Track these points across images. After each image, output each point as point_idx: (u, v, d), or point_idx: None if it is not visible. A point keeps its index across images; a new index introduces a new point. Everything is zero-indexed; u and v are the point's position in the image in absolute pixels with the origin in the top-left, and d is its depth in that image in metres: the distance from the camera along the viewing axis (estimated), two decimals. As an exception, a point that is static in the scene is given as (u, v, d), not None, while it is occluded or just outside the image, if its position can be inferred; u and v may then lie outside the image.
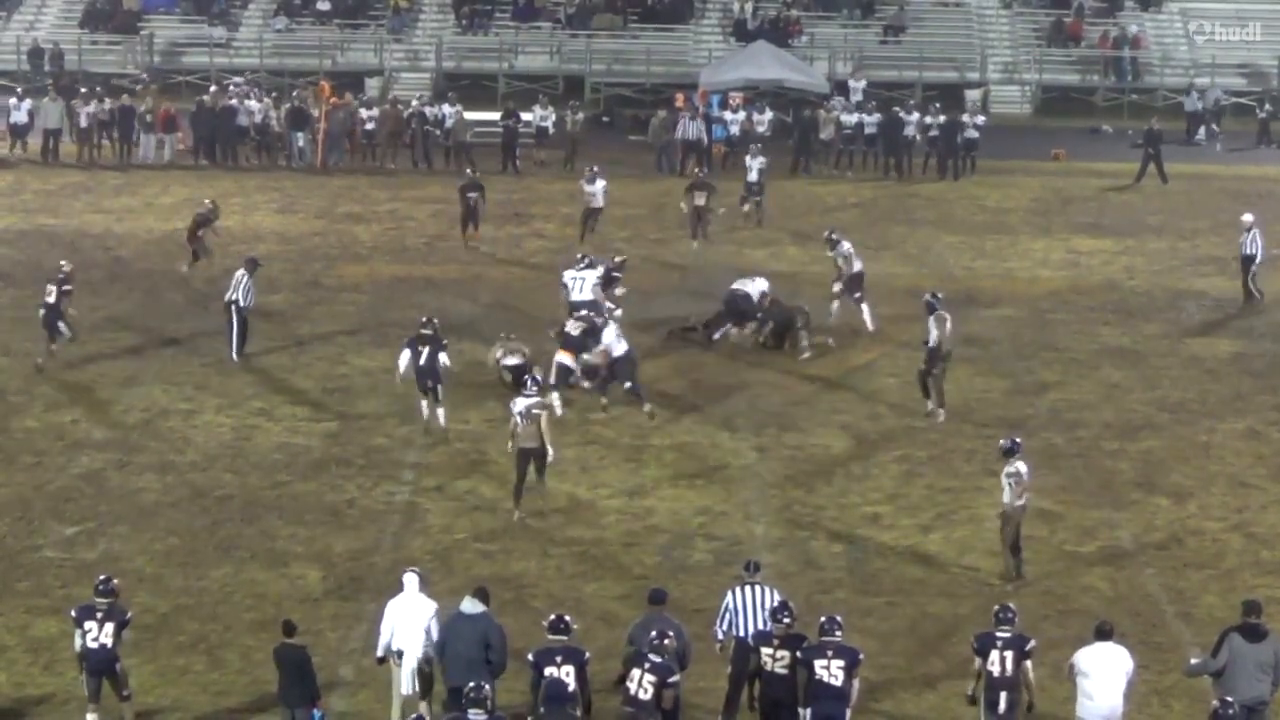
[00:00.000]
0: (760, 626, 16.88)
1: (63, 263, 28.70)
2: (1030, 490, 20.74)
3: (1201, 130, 51.69)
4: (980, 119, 46.43)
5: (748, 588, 17.29)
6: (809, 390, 27.70)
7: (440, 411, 25.11)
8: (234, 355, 28.25)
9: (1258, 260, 32.93)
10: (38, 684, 18.03)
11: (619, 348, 26.15)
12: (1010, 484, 20.59)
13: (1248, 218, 33.06)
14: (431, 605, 17.11)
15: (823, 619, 16.54)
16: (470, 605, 16.70)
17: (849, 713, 16.23)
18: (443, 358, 24.92)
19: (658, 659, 15.86)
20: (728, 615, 17.19)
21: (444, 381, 25.07)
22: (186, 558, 21.14)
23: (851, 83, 51.75)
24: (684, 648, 16.57)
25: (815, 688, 16.13)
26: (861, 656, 16.42)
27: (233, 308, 28.27)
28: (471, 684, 15.20)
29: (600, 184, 37.00)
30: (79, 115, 44.77)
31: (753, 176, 39.21)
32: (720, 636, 17.27)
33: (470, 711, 14.82)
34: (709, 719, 17.30)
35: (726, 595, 17.37)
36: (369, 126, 45.62)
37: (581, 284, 28.45)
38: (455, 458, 24.53)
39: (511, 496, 22.42)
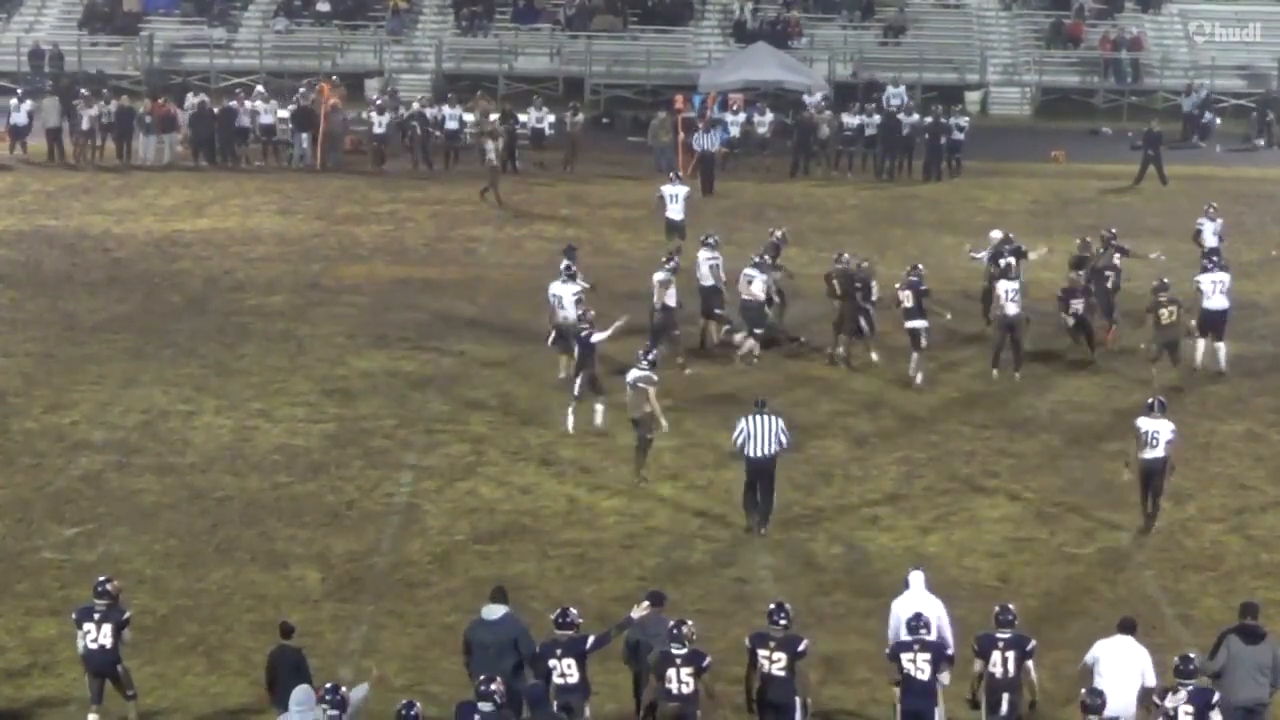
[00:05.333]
0: (766, 450, 21.17)
1: None
2: (1152, 447, 21.83)
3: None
4: (964, 120, 46.21)
5: (758, 416, 21.42)
6: (809, 391, 27.69)
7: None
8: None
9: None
10: (37, 685, 18.03)
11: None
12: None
13: (995, 234, 31.58)
14: (938, 602, 17.10)
15: (909, 618, 16.54)
16: (490, 611, 16.54)
17: (938, 711, 16.27)
18: None
19: (683, 649, 15.91)
20: (741, 436, 21.37)
21: None
22: (186, 559, 21.14)
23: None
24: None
25: (906, 682, 16.25)
26: (950, 652, 16.44)
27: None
28: (483, 676, 15.13)
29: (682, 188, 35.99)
30: (80, 116, 44.72)
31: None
32: (736, 448, 21.51)
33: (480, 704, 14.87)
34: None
35: (741, 421, 21.53)
36: (378, 130, 45.56)
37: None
38: (454, 459, 24.54)
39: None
